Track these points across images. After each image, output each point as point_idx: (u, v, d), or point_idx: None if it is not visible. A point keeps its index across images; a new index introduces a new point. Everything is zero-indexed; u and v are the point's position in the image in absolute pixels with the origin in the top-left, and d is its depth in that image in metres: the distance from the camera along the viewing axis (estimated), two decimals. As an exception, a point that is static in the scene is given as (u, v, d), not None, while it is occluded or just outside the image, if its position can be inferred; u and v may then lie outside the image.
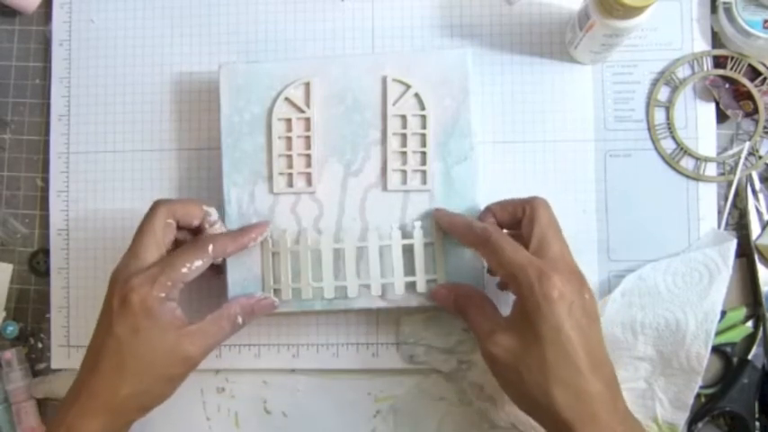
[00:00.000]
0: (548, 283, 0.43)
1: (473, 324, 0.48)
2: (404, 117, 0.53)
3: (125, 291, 0.46)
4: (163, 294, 0.47)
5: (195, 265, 0.48)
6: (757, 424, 0.54)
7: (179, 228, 0.51)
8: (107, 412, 0.46)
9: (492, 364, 0.46)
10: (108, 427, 0.46)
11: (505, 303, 0.49)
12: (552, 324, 0.43)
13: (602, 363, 0.44)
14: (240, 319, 0.50)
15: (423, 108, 0.53)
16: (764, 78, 0.56)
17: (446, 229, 0.51)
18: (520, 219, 0.48)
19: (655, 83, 0.57)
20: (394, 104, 0.53)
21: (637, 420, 0.45)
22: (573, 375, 0.43)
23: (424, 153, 0.53)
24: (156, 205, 0.50)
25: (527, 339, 0.44)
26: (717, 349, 0.55)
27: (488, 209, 0.50)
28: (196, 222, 0.51)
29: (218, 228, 0.52)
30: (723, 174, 0.57)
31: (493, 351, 0.45)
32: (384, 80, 0.53)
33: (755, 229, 0.56)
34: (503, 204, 0.49)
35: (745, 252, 0.56)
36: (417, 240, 0.52)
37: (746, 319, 0.56)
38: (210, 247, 0.49)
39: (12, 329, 0.60)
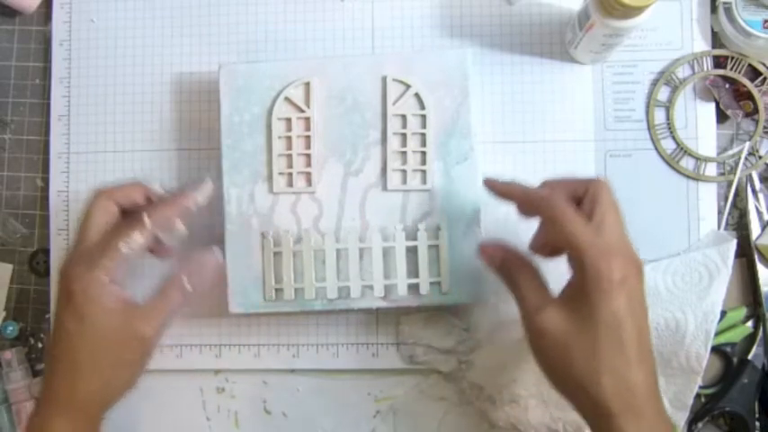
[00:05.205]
0: (612, 266, 0.41)
1: (521, 294, 0.45)
2: (404, 117, 0.53)
3: (67, 282, 0.45)
4: (105, 277, 0.45)
5: (134, 240, 0.46)
6: (757, 424, 0.54)
7: (126, 212, 0.49)
8: (69, 411, 0.45)
9: (538, 338, 0.43)
10: (74, 427, 0.45)
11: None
12: (612, 308, 0.41)
13: (649, 355, 0.42)
14: (188, 285, 0.48)
15: (423, 108, 0.53)
16: (764, 78, 0.56)
17: (501, 196, 0.48)
18: (580, 198, 0.45)
19: (655, 83, 0.57)
20: (394, 104, 0.53)
21: (671, 421, 0.43)
22: (624, 365, 0.41)
23: (424, 153, 0.53)
24: (94, 193, 0.48)
25: (582, 319, 0.41)
26: (717, 349, 0.55)
27: (546, 183, 0.47)
28: (139, 199, 0.49)
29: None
30: (723, 174, 0.57)
31: (543, 326, 0.42)
32: (384, 80, 0.53)
33: (755, 229, 0.56)
34: (561, 182, 0.46)
35: (745, 252, 0.56)
36: (421, 242, 0.52)
37: (746, 319, 0.56)
38: (146, 218, 0.47)
39: (12, 329, 0.60)
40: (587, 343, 0.41)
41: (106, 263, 0.45)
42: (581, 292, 0.42)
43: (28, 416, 0.47)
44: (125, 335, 0.45)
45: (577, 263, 0.42)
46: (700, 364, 0.52)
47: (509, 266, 0.46)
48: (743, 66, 0.56)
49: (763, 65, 0.56)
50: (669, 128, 0.57)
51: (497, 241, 0.48)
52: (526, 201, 0.46)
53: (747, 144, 0.57)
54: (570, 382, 0.42)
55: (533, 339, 0.44)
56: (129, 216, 0.49)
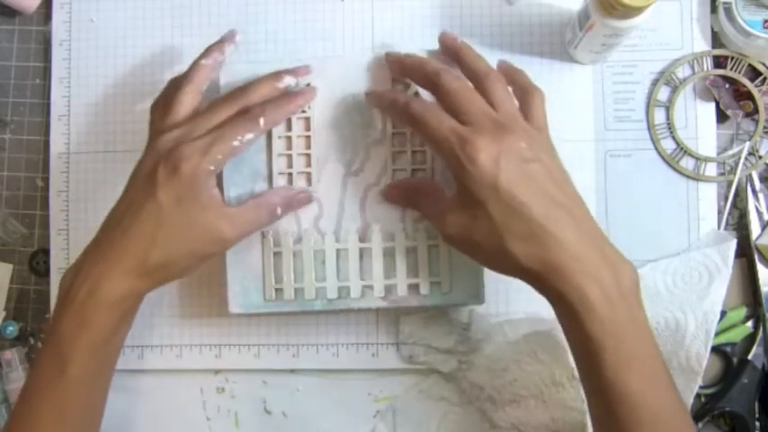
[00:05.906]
0: (470, 148, 0.42)
1: (426, 213, 0.49)
2: (404, 117, 0.53)
3: (175, 159, 0.45)
4: (212, 167, 0.46)
5: (246, 138, 0.47)
6: (757, 424, 0.55)
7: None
8: (133, 277, 0.46)
9: (452, 244, 0.46)
10: (131, 292, 0.46)
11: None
12: (487, 185, 0.42)
13: (559, 202, 0.43)
14: (279, 210, 0.51)
15: (423, 108, 0.53)
16: (764, 78, 0.56)
17: (373, 102, 0.52)
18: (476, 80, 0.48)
19: (655, 83, 0.57)
20: (394, 104, 0.53)
21: (618, 252, 0.44)
22: (524, 225, 0.42)
23: (424, 152, 0.53)
24: (193, 74, 0.51)
25: (473, 209, 0.43)
26: (717, 349, 0.55)
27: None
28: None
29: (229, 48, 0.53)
30: (723, 174, 0.57)
31: (448, 231, 0.45)
32: (384, 80, 0.53)
33: (755, 229, 0.56)
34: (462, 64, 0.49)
35: (745, 252, 0.56)
36: (421, 242, 0.52)
37: (746, 319, 0.56)
38: (262, 120, 0.48)
39: (12, 329, 0.60)
40: (485, 224, 0.43)
41: (217, 155, 0.46)
42: (460, 186, 0.44)
43: (72, 265, 0.48)
44: (209, 231, 0.47)
45: (445, 160, 0.44)
46: (700, 364, 0.52)
47: (409, 196, 0.50)
48: (743, 66, 0.56)
49: (763, 65, 0.56)
50: (669, 128, 0.57)
51: (394, 182, 0.52)
52: (390, 108, 0.50)
53: (747, 144, 0.57)
54: (495, 263, 0.45)
55: (451, 245, 0.47)
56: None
